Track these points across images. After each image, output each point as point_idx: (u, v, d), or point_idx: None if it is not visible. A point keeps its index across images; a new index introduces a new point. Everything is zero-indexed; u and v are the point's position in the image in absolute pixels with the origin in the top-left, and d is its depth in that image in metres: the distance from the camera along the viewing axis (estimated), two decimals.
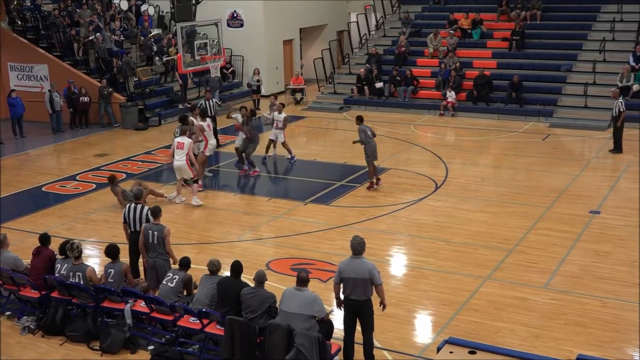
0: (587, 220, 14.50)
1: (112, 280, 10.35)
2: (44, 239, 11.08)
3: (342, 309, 9.27)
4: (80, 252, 10.57)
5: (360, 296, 8.95)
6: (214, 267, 9.99)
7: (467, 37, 27.79)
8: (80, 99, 24.09)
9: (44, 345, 10.21)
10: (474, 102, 24.87)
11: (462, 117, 24.40)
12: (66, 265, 10.61)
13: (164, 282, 10.33)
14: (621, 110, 19.30)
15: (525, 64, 25.89)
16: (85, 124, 24.52)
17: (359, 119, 16.64)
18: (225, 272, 10.02)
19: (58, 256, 10.92)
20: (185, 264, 10.44)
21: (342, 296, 9.19)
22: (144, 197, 14.73)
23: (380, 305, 9.15)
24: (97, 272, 10.71)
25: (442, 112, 24.81)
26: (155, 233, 10.68)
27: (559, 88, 24.52)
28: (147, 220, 11.37)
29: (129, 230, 11.71)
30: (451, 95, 24.75)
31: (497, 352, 7.96)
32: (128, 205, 11.87)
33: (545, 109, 23.85)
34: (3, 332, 10.57)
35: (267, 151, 19.43)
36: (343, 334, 9.30)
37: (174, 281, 10.20)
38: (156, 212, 11.06)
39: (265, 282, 9.37)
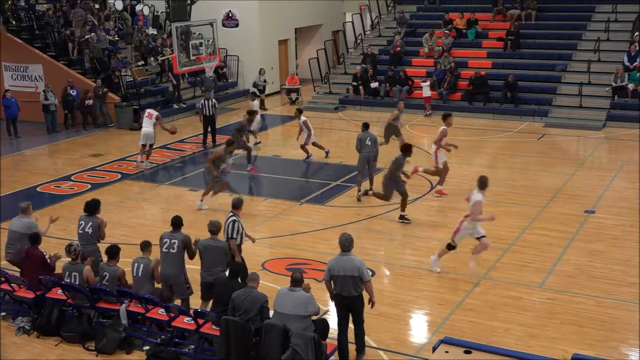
0: (582, 219, 14.53)
1: (106, 283, 10.33)
2: (34, 238, 11.00)
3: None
4: (78, 254, 10.55)
5: (351, 292, 9.01)
6: (214, 228, 10.14)
7: (462, 37, 27.80)
8: (86, 102, 24.01)
9: (39, 345, 10.19)
10: (469, 102, 24.89)
11: (458, 117, 24.28)
12: (64, 263, 10.59)
13: (164, 250, 10.15)
14: None
15: (520, 63, 25.91)
16: (87, 124, 24.36)
17: (364, 126, 16.28)
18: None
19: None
20: (178, 223, 10.33)
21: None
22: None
23: (369, 303, 9.16)
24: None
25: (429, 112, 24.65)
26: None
27: (554, 88, 24.55)
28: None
29: None
30: (426, 90, 24.54)
31: (492, 352, 7.95)
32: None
33: (540, 108, 23.88)
34: None
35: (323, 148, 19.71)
36: (337, 333, 9.30)
37: (175, 246, 10.09)
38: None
39: (258, 283, 9.35)
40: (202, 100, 21.06)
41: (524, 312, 10.77)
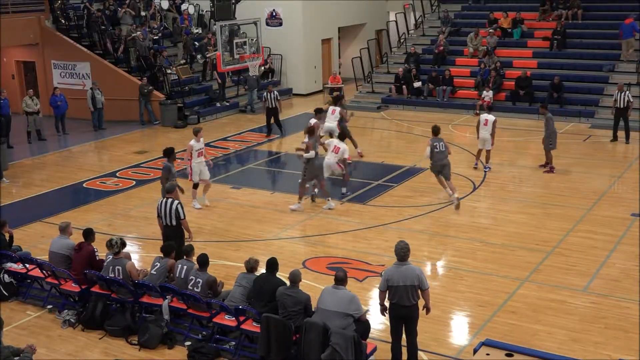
0: (628, 222, 14.26)
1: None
2: (87, 233, 11.24)
3: (387, 315, 9.19)
4: (120, 248, 10.74)
5: (409, 302, 8.86)
6: (250, 265, 10.06)
7: (507, 37, 27.50)
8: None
9: (84, 338, 10.39)
10: (513, 103, 24.62)
11: (502, 118, 24.02)
12: (108, 259, 10.79)
13: (189, 287, 10.14)
14: (630, 100, 20.24)
15: (567, 63, 25.53)
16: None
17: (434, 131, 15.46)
18: (262, 270, 10.07)
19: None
20: (203, 262, 10.21)
21: (386, 303, 9.10)
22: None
23: (423, 309, 9.07)
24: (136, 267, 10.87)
25: (478, 111, 24.61)
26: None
27: (600, 88, 24.13)
28: (177, 215, 11.82)
29: (163, 224, 12.10)
30: (488, 95, 24.54)
31: (534, 355, 7.88)
32: (160, 200, 12.21)
33: (586, 109, 23.51)
34: (45, 325, 10.83)
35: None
36: (379, 334, 9.26)
37: (199, 285, 10.05)
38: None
39: (300, 281, 9.38)
40: (265, 93, 22.48)
41: (567, 315, 10.62)
